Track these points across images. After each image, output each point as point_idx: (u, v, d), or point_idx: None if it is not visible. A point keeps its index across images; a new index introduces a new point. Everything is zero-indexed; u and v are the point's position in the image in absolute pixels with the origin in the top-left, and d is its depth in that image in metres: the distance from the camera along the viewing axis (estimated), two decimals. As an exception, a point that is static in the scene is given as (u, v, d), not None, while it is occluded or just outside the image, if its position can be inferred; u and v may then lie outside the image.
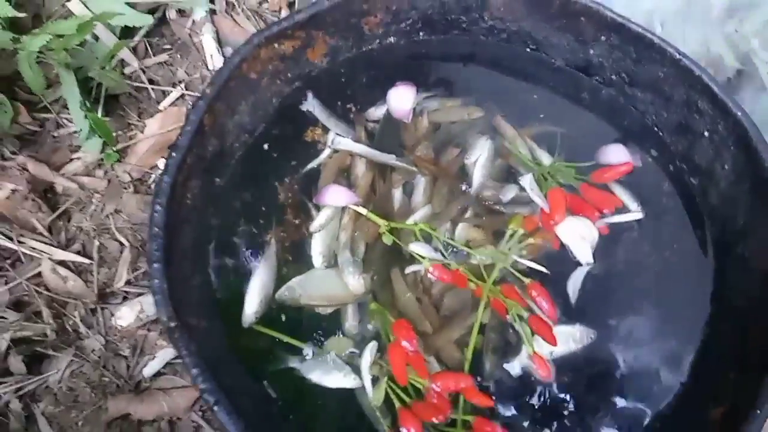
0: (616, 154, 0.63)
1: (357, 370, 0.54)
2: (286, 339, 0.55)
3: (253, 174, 0.63)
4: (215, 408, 0.42)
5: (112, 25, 0.99)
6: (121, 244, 0.97)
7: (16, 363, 0.89)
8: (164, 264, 0.49)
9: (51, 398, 0.90)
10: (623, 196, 0.62)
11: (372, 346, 0.54)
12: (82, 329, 0.92)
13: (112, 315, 0.90)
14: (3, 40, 0.87)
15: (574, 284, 0.57)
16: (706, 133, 0.60)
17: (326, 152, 0.65)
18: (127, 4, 0.98)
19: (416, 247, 0.59)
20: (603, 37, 0.62)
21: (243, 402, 0.45)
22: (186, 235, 0.54)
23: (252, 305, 0.56)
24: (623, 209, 0.62)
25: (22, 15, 0.89)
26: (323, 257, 0.60)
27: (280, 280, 0.58)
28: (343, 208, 0.62)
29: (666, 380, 0.55)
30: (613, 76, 0.66)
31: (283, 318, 0.57)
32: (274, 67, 0.62)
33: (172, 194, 0.52)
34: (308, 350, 0.55)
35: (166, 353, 0.91)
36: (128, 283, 0.94)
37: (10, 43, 0.88)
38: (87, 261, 0.94)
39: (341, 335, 0.58)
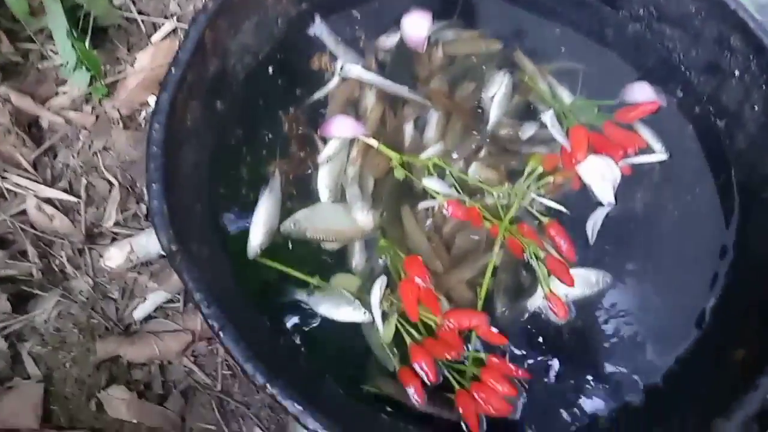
0: (642, 93, 0.60)
1: (366, 305, 0.52)
2: (292, 272, 0.53)
3: (257, 100, 0.60)
4: (221, 334, 0.40)
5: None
6: (110, 183, 0.94)
7: (1, 302, 0.87)
8: (163, 186, 0.46)
9: (37, 338, 0.88)
10: (648, 136, 0.59)
11: (382, 281, 0.51)
12: (69, 269, 0.90)
13: (101, 256, 0.87)
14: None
15: (593, 225, 0.55)
16: (736, 72, 0.57)
17: (334, 81, 0.62)
18: None
19: (430, 183, 0.56)
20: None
21: (248, 333, 0.43)
22: (186, 160, 0.50)
23: (257, 237, 0.53)
24: (647, 150, 0.59)
25: (2, -71, 0.83)
26: (330, 191, 0.57)
27: (285, 213, 0.56)
28: (352, 141, 0.59)
29: (686, 325, 0.54)
30: (641, 10, 0.63)
31: (290, 251, 0.54)
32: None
33: (172, 112, 0.48)
34: (315, 284, 0.53)
35: (157, 296, 0.89)
36: (117, 224, 0.92)
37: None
38: (74, 199, 0.92)
39: (348, 272, 0.55)
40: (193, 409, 0.85)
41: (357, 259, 0.56)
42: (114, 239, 0.91)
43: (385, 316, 0.51)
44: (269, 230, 0.54)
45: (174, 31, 1.02)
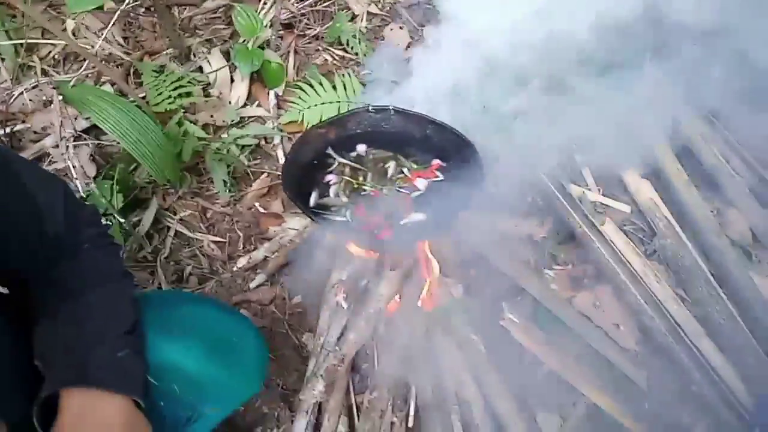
0: (438, 163, 1.77)
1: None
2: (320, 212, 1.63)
3: (307, 174, 1.73)
4: (295, 201, 1.50)
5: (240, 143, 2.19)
6: (239, 233, 2.05)
7: (193, 281, 1.93)
8: (288, 186, 1.59)
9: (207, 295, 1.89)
10: (438, 173, 1.74)
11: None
12: (221, 270, 1.96)
13: (235, 264, 1.95)
14: (201, 142, 2.06)
15: (414, 195, 1.67)
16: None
17: (335, 165, 1.79)
18: (248, 135, 2.19)
19: (366, 187, 1.69)
20: (430, 125, 1.81)
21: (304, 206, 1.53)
22: (290, 182, 1.64)
23: (312, 201, 1.65)
24: (438, 177, 1.73)
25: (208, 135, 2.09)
26: (334, 194, 1.70)
27: (318, 197, 1.68)
28: (341, 180, 1.74)
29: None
30: (437, 141, 1.83)
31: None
32: (315, 138, 1.79)
33: (288, 169, 1.64)
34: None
35: (260, 278, 1.94)
36: (240, 251, 2.01)
37: (199, 144, 2.07)
38: (223, 240, 2.02)
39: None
40: (275, 329, 1.84)
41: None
42: (240, 256, 1.99)
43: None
44: (314, 200, 1.66)
45: (268, 174, 2.23)
